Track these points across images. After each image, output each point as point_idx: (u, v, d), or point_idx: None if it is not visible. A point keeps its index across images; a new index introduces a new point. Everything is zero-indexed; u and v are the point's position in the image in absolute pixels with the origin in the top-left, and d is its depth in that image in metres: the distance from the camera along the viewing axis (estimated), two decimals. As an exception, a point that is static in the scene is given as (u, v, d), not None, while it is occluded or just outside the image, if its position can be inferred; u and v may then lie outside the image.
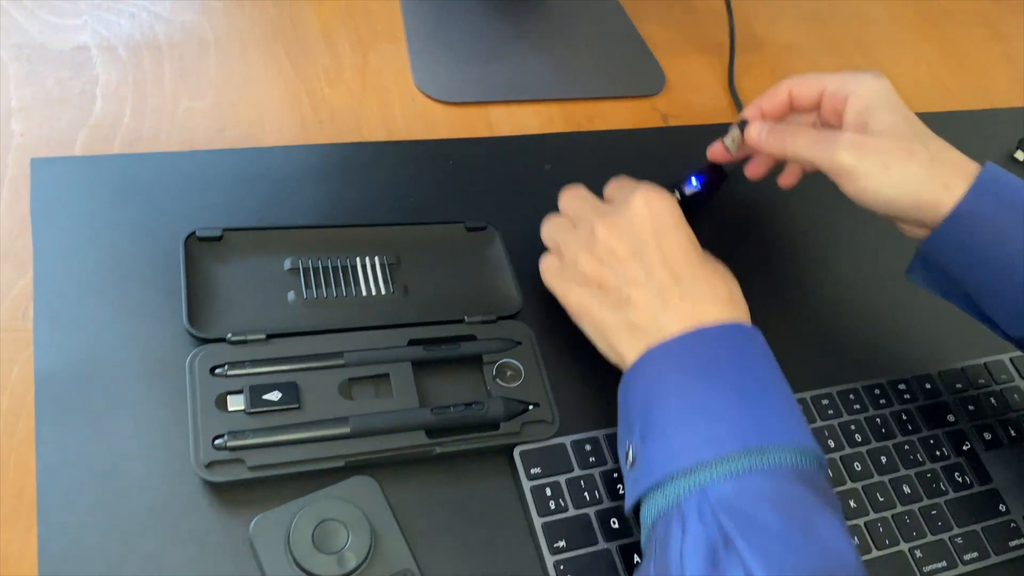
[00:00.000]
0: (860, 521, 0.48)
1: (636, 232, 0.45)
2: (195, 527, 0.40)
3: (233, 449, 0.41)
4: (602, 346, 0.46)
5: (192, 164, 0.53)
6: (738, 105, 0.69)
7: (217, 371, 0.44)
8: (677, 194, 0.58)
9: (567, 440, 0.47)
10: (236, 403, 0.43)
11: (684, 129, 0.66)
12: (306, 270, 0.48)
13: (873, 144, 0.47)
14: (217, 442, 0.41)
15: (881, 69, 0.77)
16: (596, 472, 0.46)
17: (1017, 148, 0.74)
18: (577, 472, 0.46)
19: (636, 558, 0.44)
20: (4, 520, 0.39)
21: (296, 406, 0.43)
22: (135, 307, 0.46)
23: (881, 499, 0.49)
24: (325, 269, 0.49)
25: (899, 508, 0.49)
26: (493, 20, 0.68)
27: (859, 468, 0.50)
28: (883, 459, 0.51)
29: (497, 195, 0.57)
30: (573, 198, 0.50)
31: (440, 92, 0.62)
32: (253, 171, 0.54)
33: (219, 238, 0.48)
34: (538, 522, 0.44)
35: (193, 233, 0.48)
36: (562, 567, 0.43)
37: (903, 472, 0.51)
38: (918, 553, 0.48)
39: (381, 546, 0.39)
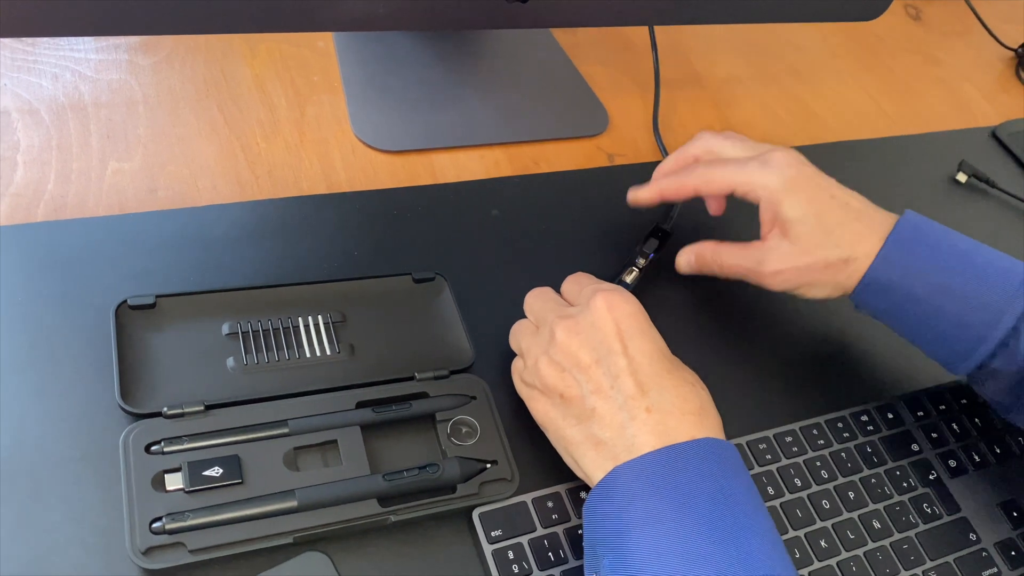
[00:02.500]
0: (832, 561, 0.47)
1: (599, 337, 0.42)
2: (133, 621, 0.37)
3: (172, 532, 0.39)
4: (567, 460, 0.43)
5: (122, 228, 0.50)
6: (662, 150, 0.68)
7: (153, 448, 0.41)
8: (637, 271, 0.57)
9: (528, 498, 0.45)
10: (174, 482, 0.40)
11: (631, 168, 0.65)
12: (245, 334, 0.46)
13: (791, 272, 0.51)
14: (155, 525, 0.39)
15: (819, 99, 0.79)
16: (560, 530, 0.44)
17: (958, 170, 0.74)
18: (540, 531, 0.44)
19: (606, 619, 0.42)
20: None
21: (239, 481, 0.41)
22: (63, 384, 0.43)
23: (852, 536, 0.48)
24: (266, 332, 0.47)
25: (871, 544, 0.48)
26: (432, 66, 0.67)
27: (827, 506, 0.49)
28: (851, 495, 0.50)
29: (445, 244, 0.56)
30: (536, 298, 0.48)
31: (381, 141, 0.60)
32: (188, 232, 0.51)
33: (152, 305, 0.46)
34: (502, 588, 0.42)
35: (124, 301, 0.45)
36: (529, 634, 0.41)
37: (872, 507, 0.50)
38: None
39: None
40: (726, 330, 0.57)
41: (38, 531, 0.39)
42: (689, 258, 0.55)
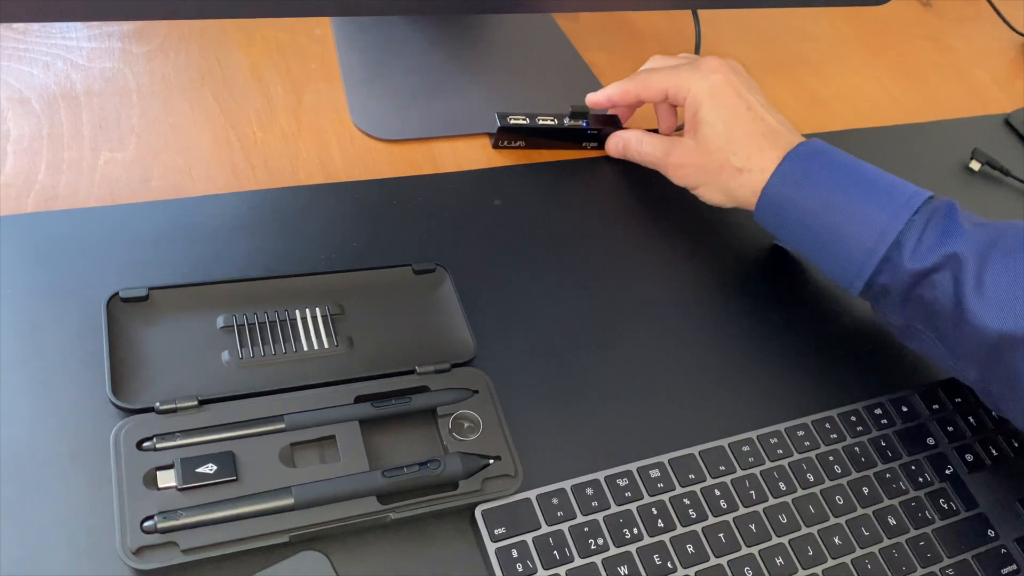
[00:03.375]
0: (847, 559, 0.46)
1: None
2: (123, 623, 0.36)
3: (164, 531, 0.37)
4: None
5: (114, 219, 0.49)
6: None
7: (145, 444, 0.40)
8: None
9: (532, 494, 0.43)
10: (167, 479, 0.39)
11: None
12: (240, 327, 0.45)
13: (689, 168, 0.56)
14: (147, 524, 0.37)
15: (830, 87, 0.77)
16: (565, 527, 0.43)
17: (971, 158, 0.73)
18: (545, 529, 0.42)
19: (613, 619, 0.41)
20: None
21: (233, 478, 0.39)
22: (52, 379, 0.42)
23: (867, 533, 0.47)
24: (262, 325, 0.45)
25: (886, 542, 0.47)
26: (432, 53, 0.65)
27: (841, 502, 0.48)
28: (865, 490, 0.48)
29: (446, 234, 0.54)
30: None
31: (380, 130, 0.59)
32: (182, 223, 0.50)
33: (144, 298, 0.44)
34: (505, 587, 0.40)
35: (116, 294, 0.44)
36: (534, 636, 0.39)
37: (887, 502, 0.48)
38: (913, 588, 0.46)
39: None
40: (735, 321, 0.56)
41: (26, 530, 0.38)
42: (617, 143, 0.61)
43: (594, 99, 0.60)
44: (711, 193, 0.56)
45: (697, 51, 0.72)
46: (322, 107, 0.60)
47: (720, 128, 0.53)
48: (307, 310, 0.46)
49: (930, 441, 0.52)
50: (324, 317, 0.46)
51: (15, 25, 0.57)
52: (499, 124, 0.59)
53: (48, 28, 0.58)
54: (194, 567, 0.38)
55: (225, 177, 0.54)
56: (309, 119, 0.59)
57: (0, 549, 0.37)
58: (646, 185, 0.62)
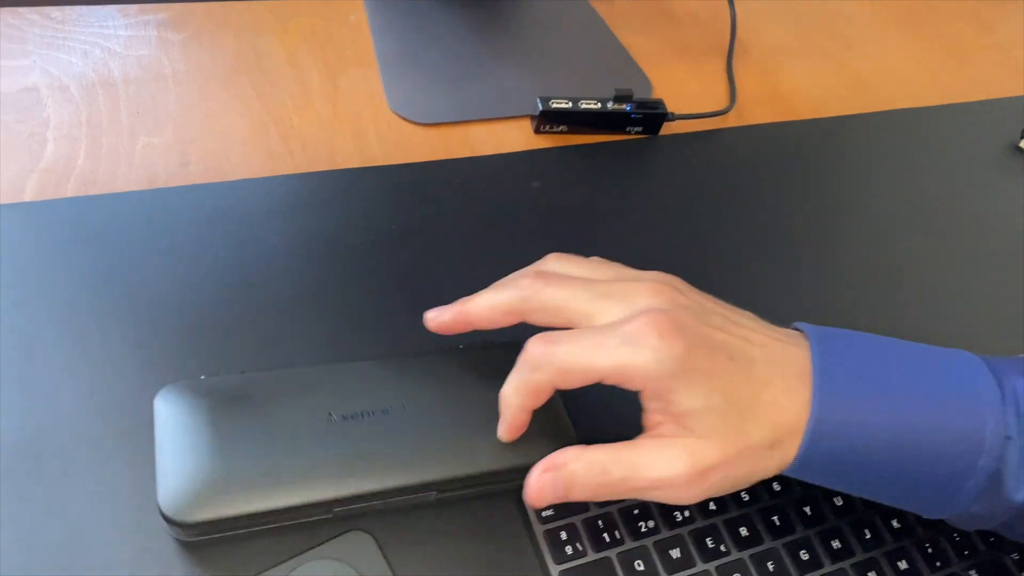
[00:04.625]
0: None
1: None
2: (169, 603, 0.35)
3: None
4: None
5: (153, 203, 0.49)
6: (732, 93, 0.65)
7: None
8: None
9: (580, 475, 0.42)
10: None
11: (675, 137, 0.63)
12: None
13: (714, 478, 0.35)
14: None
15: (871, 68, 0.75)
16: (615, 509, 0.42)
17: (1022, 137, 0.71)
18: (594, 511, 0.41)
19: (667, 603, 0.39)
20: (-53, 612, 0.34)
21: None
22: (93, 360, 0.42)
23: (926, 517, 0.45)
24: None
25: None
26: (466, 38, 0.64)
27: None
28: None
29: (484, 216, 0.54)
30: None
31: (416, 114, 0.58)
32: (220, 207, 0.50)
33: None
34: (555, 570, 0.39)
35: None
36: (585, 619, 0.38)
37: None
38: (1014, 556, 0.44)
39: None
40: (800, 305, 0.55)
41: (72, 511, 0.37)
42: (552, 477, 0.36)
43: (444, 323, 0.40)
44: (737, 487, 0.37)
45: (733, 35, 0.71)
46: (358, 92, 0.59)
47: (722, 406, 0.35)
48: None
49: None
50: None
51: (53, 14, 0.58)
52: (541, 108, 0.58)
53: (85, 17, 0.58)
54: (238, 542, 0.37)
55: (262, 161, 0.53)
56: (345, 104, 0.58)
57: (47, 530, 0.36)
58: (694, 168, 0.60)
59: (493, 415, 0.39)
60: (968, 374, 0.36)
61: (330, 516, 0.37)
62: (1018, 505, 0.35)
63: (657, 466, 0.35)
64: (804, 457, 0.36)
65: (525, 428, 0.39)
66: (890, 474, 0.36)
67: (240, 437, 0.37)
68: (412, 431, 0.39)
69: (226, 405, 0.38)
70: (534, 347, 0.36)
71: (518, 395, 0.37)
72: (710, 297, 0.39)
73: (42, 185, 0.48)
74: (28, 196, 0.48)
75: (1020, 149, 0.71)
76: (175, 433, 0.38)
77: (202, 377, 0.40)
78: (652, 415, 0.36)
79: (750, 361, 0.36)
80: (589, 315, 0.36)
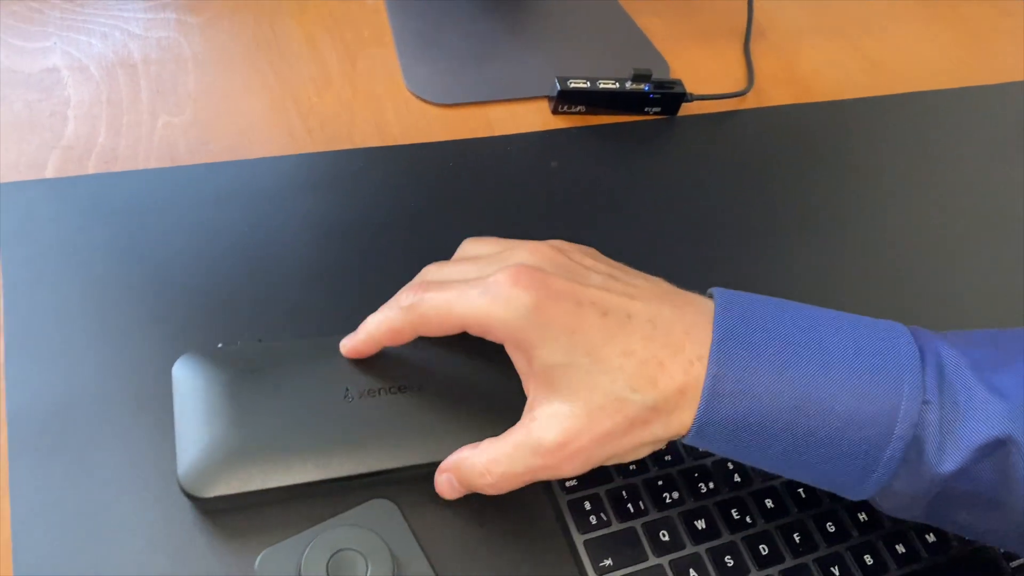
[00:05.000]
0: (933, 516, 0.44)
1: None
2: (195, 568, 0.35)
3: None
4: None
5: (173, 180, 0.49)
6: (750, 76, 0.65)
7: None
8: None
9: (603, 447, 0.42)
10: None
11: (694, 118, 0.62)
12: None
13: (586, 446, 0.33)
14: None
15: (888, 50, 0.75)
16: (639, 480, 0.41)
17: (1041, 119, 0.70)
18: (618, 482, 0.41)
19: (692, 572, 0.39)
20: (-26, 575, 0.34)
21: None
22: (114, 334, 0.42)
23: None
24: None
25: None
26: (483, 19, 0.64)
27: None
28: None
29: (501, 196, 0.53)
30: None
31: (435, 95, 0.58)
32: (240, 184, 0.50)
33: None
34: (579, 540, 0.39)
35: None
36: (611, 588, 0.38)
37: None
38: (1001, 548, 0.43)
39: (405, 574, 0.34)
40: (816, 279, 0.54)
41: (94, 478, 0.37)
42: (445, 483, 0.37)
43: (351, 347, 0.39)
44: (631, 456, 0.35)
45: (750, 17, 0.70)
46: (376, 73, 0.59)
47: (587, 364, 0.33)
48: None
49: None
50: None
51: (73, -3, 0.58)
52: (559, 88, 0.58)
53: (104, 1, 0.58)
54: (261, 509, 0.37)
55: (282, 140, 0.53)
56: (364, 85, 0.58)
57: (69, 496, 0.36)
58: (712, 150, 0.60)
59: (510, 393, 0.38)
60: (887, 339, 0.34)
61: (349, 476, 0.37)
62: (943, 477, 0.32)
63: (523, 447, 0.34)
64: (700, 423, 0.33)
65: (369, 355, 0.39)
66: (797, 443, 0.33)
67: (258, 410, 0.37)
68: (428, 409, 0.39)
69: (244, 375, 0.38)
70: (406, 292, 0.37)
71: (378, 329, 0.38)
72: (608, 261, 0.38)
73: (63, 162, 0.49)
74: (50, 173, 0.48)
75: (1041, 130, 0.70)
76: (193, 404, 0.37)
77: (219, 345, 0.40)
78: (524, 380, 0.36)
79: (627, 317, 0.33)
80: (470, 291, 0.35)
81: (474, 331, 0.35)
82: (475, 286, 0.34)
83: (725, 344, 0.33)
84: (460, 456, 0.36)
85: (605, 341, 0.33)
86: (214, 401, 0.37)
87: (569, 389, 0.33)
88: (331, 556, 0.33)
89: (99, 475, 0.37)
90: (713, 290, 0.36)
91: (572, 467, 0.34)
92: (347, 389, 0.39)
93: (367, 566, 0.33)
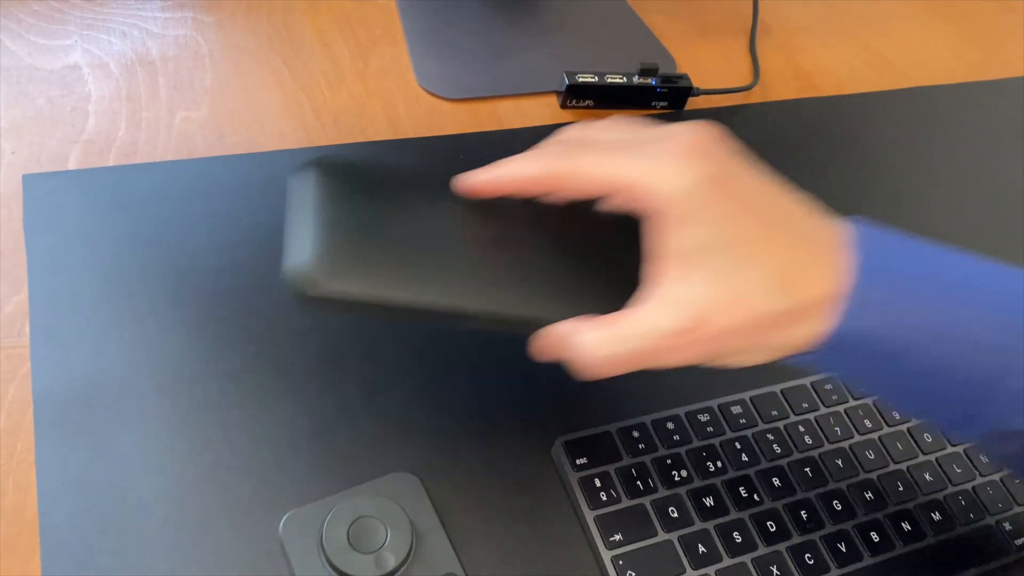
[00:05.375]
0: (940, 494, 0.44)
1: None
2: (220, 531, 0.36)
3: None
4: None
5: (191, 172, 0.50)
6: (756, 70, 0.66)
7: None
8: None
9: (612, 428, 0.43)
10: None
11: (700, 113, 0.63)
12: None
13: (705, 341, 0.32)
14: None
15: (893, 47, 0.76)
16: (648, 459, 0.42)
17: (1045, 112, 0.71)
18: (627, 460, 0.42)
19: (700, 547, 0.40)
20: (4, 545, 0.35)
21: None
22: (134, 315, 0.43)
23: (959, 471, 0.45)
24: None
25: (979, 479, 0.45)
26: (492, 17, 0.66)
27: (929, 439, 0.46)
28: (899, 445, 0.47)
29: (513, 187, 0.55)
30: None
31: (445, 89, 0.59)
32: (256, 176, 0.51)
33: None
34: (589, 516, 0.40)
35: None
36: (621, 563, 0.39)
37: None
38: (1007, 526, 0.44)
39: (423, 545, 0.35)
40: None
41: (117, 453, 0.38)
42: (551, 343, 0.34)
43: (473, 184, 0.36)
44: (746, 359, 0.34)
45: (755, 14, 0.71)
46: (388, 69, 0.60)
47: (731, 252, 0.32)
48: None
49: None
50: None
51: (93, -2, 0.59)
52: (567, 82, 0.59)
53: (124, 1, 0.60)
54: (289, 477, 0.38)
55: (296, 134, 0.54)
56: (375, 80, 0.59)
57: (93, 471, 0.37)
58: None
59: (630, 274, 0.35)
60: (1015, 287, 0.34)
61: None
62: None
63: (649, 321, 0.32)
64: (838, 336, 0.32)
65: (484, 196, 0.36)
66: (926, 371, 0.33)
67: (384, 222, 0.34)
68: (548, 271, 0.36)
69: (373, 187, 0.35)
70: (553, 144, 0.35)
71: (513, 172, 0.35)
72: (762, 169, 0.36)
73: (85, 155, 0.50)
74: (71, 165, 0.49)
75: (1045, 123, 0.71)
76: (314, 206, 0.34)
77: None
78: (651, 260, 0.33)
79: (776, 220, 0.33)
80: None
81: (624, 195, 0.33)
82: (639, 150, 0.33)
83: (871, 261, 0.32)
84: (572, 326, 0.34)
85: (758, 237, 0.32)
86: (340, 204, 0.34)
87: (709, 274, 0.32)
88: (353, 522, 0.34)
89: (122, 452, 0.38)
90: (856, 218, 0.35)
91: (692, 354, 0.33)
92: (471, 230, 0.36)
93: (387, 534, 0.34)
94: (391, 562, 0.33)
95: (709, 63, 0.68)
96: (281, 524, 0.35)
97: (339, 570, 0.33)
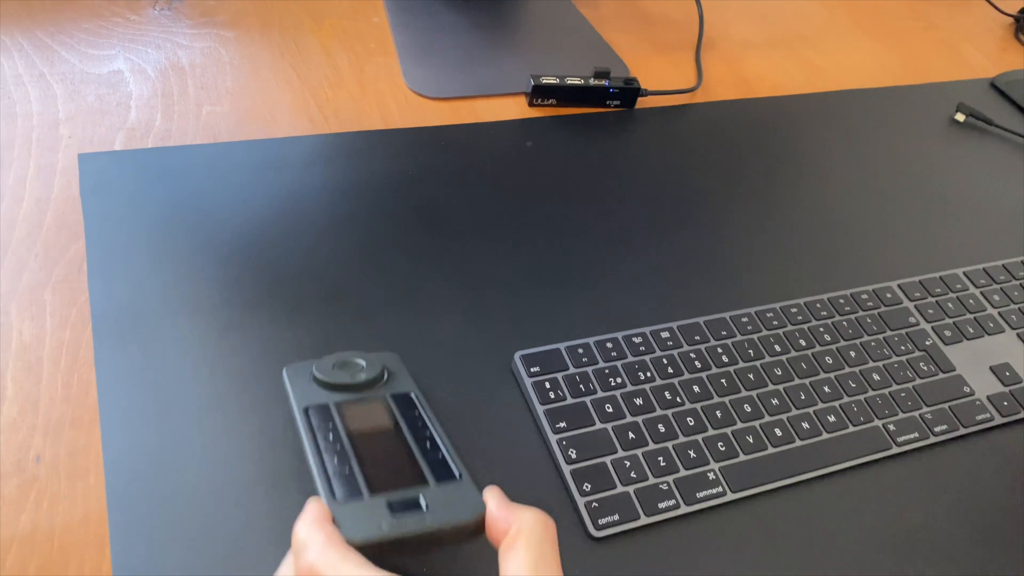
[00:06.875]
0: (836, 403, 0.53)
1: None
2: (238, 378, 0.46)
3: None
4: None
5: (216, 153, 0.60)
6: (699, 75, 0.77)
7: None
8: None
9: (562, 346, 0.52)
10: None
11: (649, 111, 0.74)
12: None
13: None
14: None
15: (826, 58, 0.86)
16: (590, 370, 0.51)
17: (956, 111, 0.81)
18: (572, 370, 0.51)
19: (630, 434, 0.49)
20: (71, 420, 0.45)
21: None
22: (173, 257, 0.53)
23: (853, 385, 0.54)
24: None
25: (871, 392, 0.54)
26: (472, 34, 0.77)
27: (830, 361, 0.55)
28: (852, 353, 0.56)
29: (485, 167, 0.65)
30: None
31: (430, 90, 0.70)
32: (270, 157, 0.61)
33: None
34: (540, 409, 0.49)
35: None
36: (564, 443, 0.48)
37: (872, 364, 0.56)
38: (891, 427, 0.53)
39: (393, 379, 0.44)
40: (741, 223, 0.65)
41: (161, 357, 0.48)
42: None
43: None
44: None
45: (701, 28, 0.82)
46: (381, 75, 0.71)
47: None
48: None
49: (912, 320, 0.59)
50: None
51: (132, 17, 0.70)
52: (533, 83, 0.70)
53: (158, 20, 0.71)
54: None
55: (304, 124, 0.65)
56: (370, 84, 0.70)
57: (142, 371, 0.47)
58: (665, 137, 0.71)
59: None
60: None
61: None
62: None
63: None
64: None
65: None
66: None
67: None
68: None
69: None
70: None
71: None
72: None
73: (128, 139, 0.60)
74: (117, 147, 0.59)
75: (955, 121, 0.81)
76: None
77: None
78: None
79: None
80: None
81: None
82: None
83: None
84: None
85: None
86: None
87: None
88: (340, 361, 0.43)
89: (162, 356, 0.48)
90: None
91: None
92: None
93: (364, 368, 0.43)
94: (363, 377, 0.43)
95: (659, 71, 0.79)
96: (284, 372, 0.44)
97: (321, 381, 0.42)
